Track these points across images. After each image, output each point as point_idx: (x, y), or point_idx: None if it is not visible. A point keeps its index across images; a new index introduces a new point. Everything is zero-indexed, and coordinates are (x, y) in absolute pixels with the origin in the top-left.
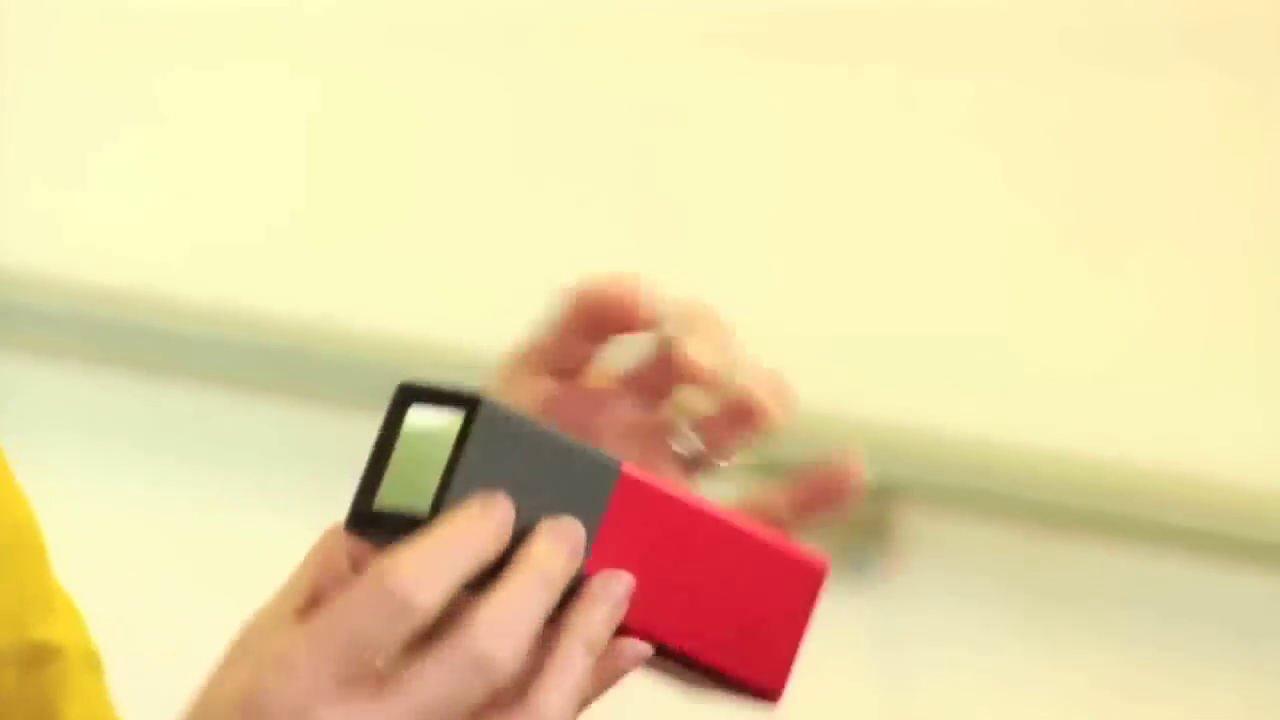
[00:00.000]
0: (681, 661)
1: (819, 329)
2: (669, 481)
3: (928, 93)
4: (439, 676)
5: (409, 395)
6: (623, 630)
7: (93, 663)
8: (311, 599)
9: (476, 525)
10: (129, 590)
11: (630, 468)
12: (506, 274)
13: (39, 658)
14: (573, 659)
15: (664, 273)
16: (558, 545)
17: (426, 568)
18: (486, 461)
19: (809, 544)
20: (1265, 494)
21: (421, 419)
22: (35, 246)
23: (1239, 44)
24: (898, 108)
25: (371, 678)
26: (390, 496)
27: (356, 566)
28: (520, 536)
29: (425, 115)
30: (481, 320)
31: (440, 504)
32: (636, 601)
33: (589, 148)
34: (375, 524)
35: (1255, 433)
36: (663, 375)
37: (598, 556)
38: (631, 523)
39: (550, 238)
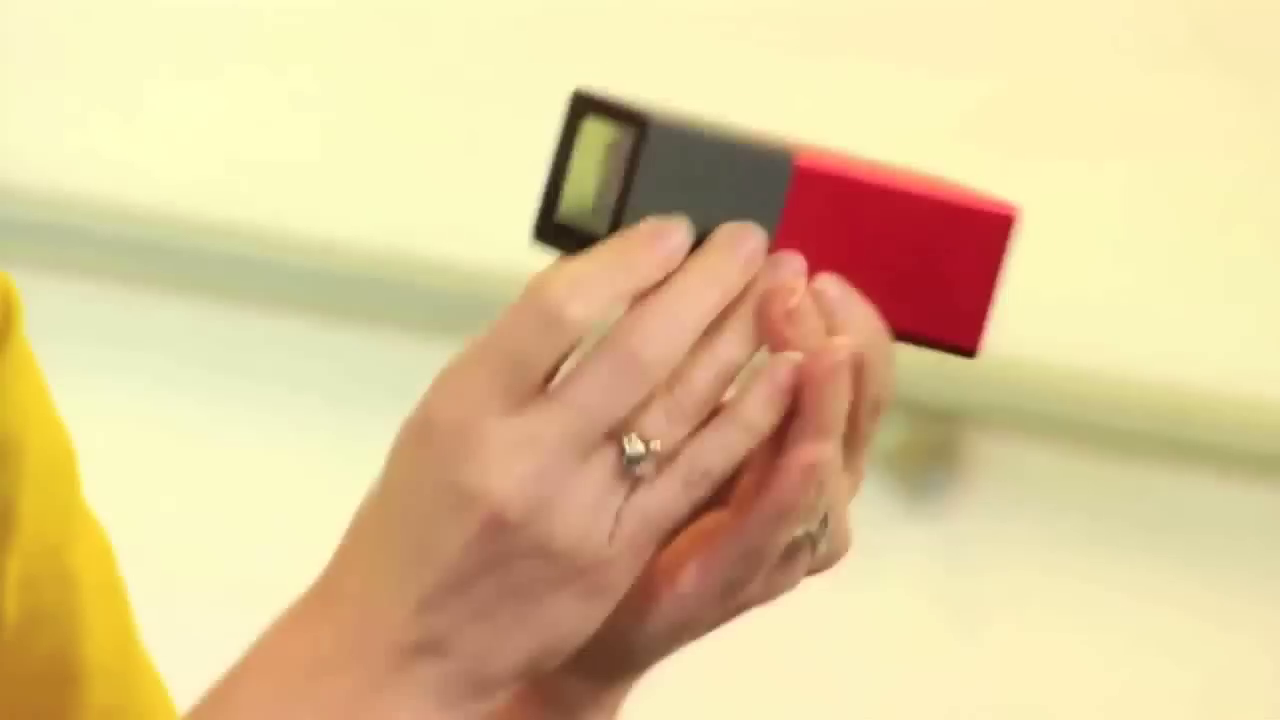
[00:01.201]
0: None
1: None
2: (845, 162)
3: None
4: (593, 380)
5: (584, 105)
6: None
7: (114, 592)
8: None
9: (640, 248)
10: (151, 504)
11: (804, 159)
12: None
13: (69, 582)
14: (734, 325)
15: None
16: (730, 249)
17: (579, 284)
18: (661, 179)
19: (993, 196)
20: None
21: (597, 130)
22: (67, 167)
23: (1241, 41)
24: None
25: (532, 389)
26: (571, 208)
27: None
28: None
29: (448, 40)
30: (506, 239)
31: (616, 225)
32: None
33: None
34: (559, 234)
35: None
36: None
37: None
38: (811, 212)
39: None
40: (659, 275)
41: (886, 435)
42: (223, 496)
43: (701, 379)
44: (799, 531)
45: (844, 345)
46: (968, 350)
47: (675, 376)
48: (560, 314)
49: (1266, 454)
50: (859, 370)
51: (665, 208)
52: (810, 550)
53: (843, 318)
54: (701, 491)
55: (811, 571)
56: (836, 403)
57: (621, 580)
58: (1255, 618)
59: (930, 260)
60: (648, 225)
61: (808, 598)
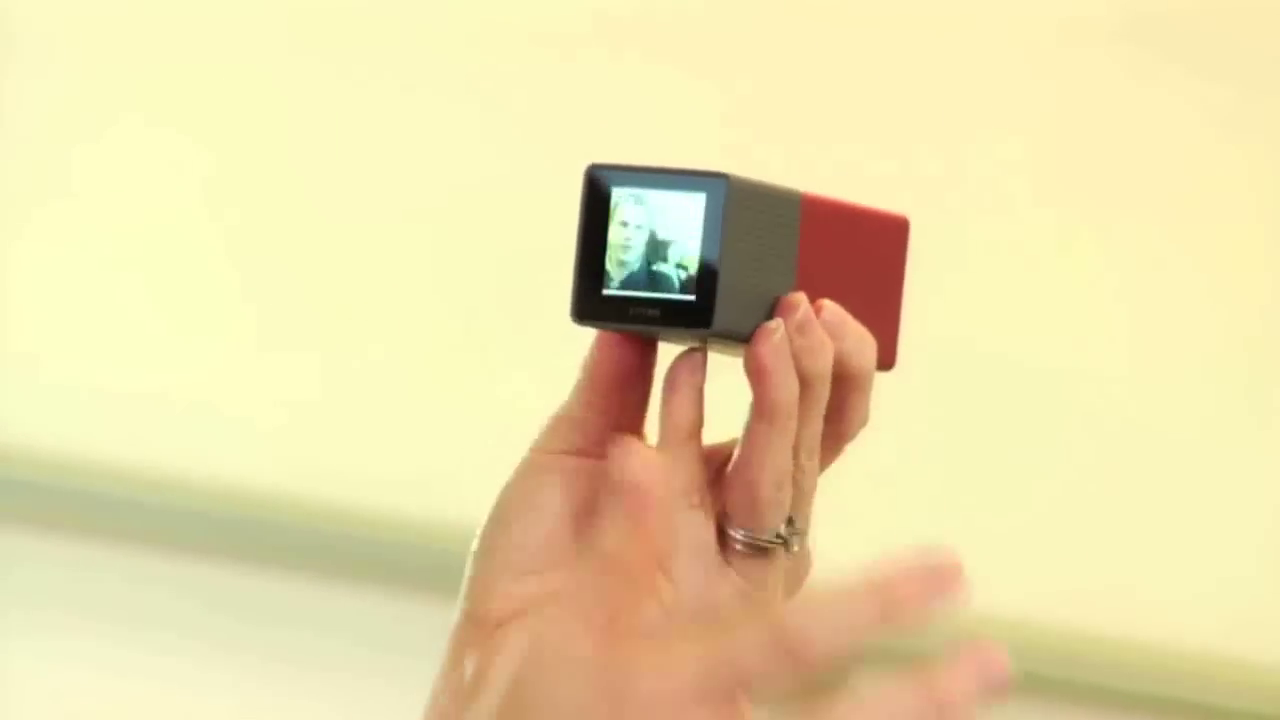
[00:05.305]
0: None
1: None
2: (822, 195)
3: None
4: None
5: (607, 179)
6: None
7: None
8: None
9: (902, 584)
10: None
11: (805, 192)
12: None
13: None
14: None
15: None
16: (968, 672)
17: (830, 616)
18: (737, 228)
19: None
20: (1170, 651)
21: (635, 199)
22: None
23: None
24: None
25: (732, 702)
26: (622, 282)
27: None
28: (744, 291)
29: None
30: (411, 487)
31: (712, 280)
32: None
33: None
34: (607, 309)
35: (1170, 596)
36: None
37: (802, 279)
38: (811, 239)
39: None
40: (914, 611)
41: None
42: None
43: None
44: (768, 534)
45: (779, 324)
46: (888, 365)
47: None
48: (802, 644)
49: (1124, 691)
50: (847, 376)
51: (741, 254)
52: (784, 550)
53: (838, 331)
54: None
55: (788, 592)
56: (783, 372)
57: None
58: None
59: (867, 270)
60: (915, 560)
61: None
